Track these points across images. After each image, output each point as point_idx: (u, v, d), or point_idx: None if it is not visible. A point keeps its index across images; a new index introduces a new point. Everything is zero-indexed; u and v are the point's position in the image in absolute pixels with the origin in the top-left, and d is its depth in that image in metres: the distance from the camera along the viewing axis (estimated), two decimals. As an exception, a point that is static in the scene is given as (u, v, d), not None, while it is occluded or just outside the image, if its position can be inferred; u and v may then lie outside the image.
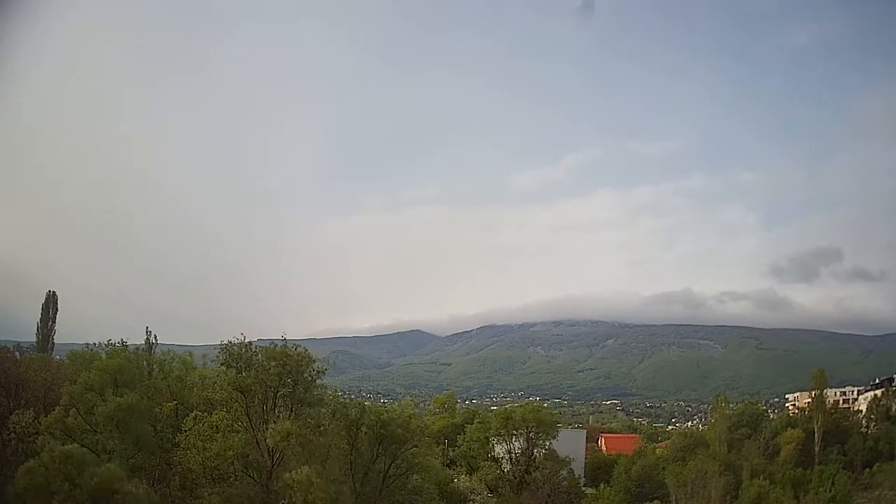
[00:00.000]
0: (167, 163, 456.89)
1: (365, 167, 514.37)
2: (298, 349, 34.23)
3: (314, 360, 34.59)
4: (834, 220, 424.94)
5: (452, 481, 52.37)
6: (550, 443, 60.17)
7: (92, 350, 41.05)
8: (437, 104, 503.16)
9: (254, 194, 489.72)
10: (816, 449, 67.51)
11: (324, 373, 36.24)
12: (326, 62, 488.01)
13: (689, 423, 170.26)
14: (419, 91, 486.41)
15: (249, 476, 32.24)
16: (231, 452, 30.47)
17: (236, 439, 31.18)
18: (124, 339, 40.54)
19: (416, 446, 38.81)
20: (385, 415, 38.60)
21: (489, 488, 56.98)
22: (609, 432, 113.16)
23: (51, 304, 62.69)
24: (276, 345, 34.90)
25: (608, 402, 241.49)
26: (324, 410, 35.11)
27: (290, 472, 30.57)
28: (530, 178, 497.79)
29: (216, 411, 32.93)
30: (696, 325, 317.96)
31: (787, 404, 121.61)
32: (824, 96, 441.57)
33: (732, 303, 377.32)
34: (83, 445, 31.17)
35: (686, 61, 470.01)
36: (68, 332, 66.23)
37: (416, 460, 39.02)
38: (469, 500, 51.48)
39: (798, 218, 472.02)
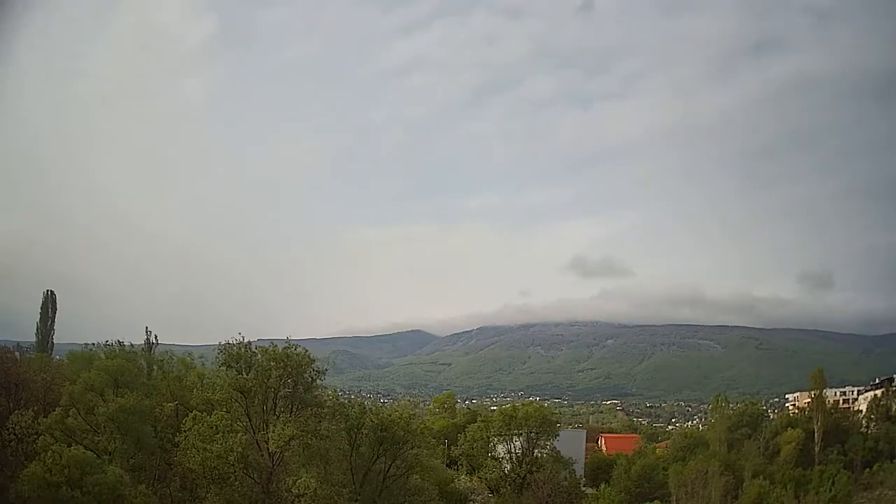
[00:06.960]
0: (171, 163, 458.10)
1: (393, 181, 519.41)
2: (299, 349, 34.12)
3: (314, 361, 34.46)
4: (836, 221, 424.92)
5: (453, 481, 52.27)
6: (552, 442, 60.17)
7: (91, 350, 41.06)
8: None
9: (257, 196, 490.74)
10: (816, 449, 67.37)
11: (324, 373, 36.13)
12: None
13: (689, 423, 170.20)
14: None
15: (250, 476, 32.14)
16: (232, 455, 30.30)
17: (236, 440, 31.07)
18: (122, 340, 40.68)
19: (416, 447, 38.66)
20: (386, 415, 38.49)
21: (490, 488, 56.92)
22: (609, 432, 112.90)
23: (49, 304, 62.42)
24: (276, 345, 34.71)
25: (608, 402, 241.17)
26: (325, 411, 34.94)
27: (290, 476, 30.46)
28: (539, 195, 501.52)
29: (216, 412, 32.82)
30: (696, 325, 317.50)
31: (787, 404, 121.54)
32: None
33: (733, 303, 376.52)
34: (84, 446, 31.06)
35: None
36: (68, 332, 66.31)
37: (417, 460, 38.92)
38: (470, 500, 51.42)
39: (802, 219, 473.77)
